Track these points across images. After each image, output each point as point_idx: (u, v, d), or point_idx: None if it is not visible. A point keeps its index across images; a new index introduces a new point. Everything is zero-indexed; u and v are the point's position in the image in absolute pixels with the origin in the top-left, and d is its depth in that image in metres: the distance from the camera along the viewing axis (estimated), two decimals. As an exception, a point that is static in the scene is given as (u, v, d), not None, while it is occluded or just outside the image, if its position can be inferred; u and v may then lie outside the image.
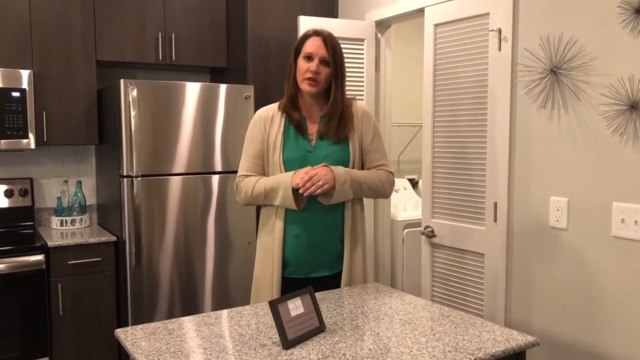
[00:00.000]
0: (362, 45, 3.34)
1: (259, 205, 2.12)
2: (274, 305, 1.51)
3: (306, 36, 2.06)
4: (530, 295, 2.44)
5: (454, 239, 2.78)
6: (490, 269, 2.60)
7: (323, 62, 2.02)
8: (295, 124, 2.06)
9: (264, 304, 1.89)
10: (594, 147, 2.17)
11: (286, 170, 2.03)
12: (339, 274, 2.11)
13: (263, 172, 2.10)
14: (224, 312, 1.80)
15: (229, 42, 3.67)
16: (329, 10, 3.69)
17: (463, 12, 2.68)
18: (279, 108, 2.11)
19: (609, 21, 2.09)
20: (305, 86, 2.03)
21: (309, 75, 2.01)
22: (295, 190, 1.96)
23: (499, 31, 2.51)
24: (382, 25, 3.44)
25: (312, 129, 2.09)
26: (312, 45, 2.02)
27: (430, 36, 2.86)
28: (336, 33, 3.24)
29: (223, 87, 3.24)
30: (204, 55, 3.60)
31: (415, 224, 3.91)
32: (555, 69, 2.28)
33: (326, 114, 2.06)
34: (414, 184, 4.74)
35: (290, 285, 2.08)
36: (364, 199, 2.16)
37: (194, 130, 3.16)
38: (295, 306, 1.56)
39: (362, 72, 3.35)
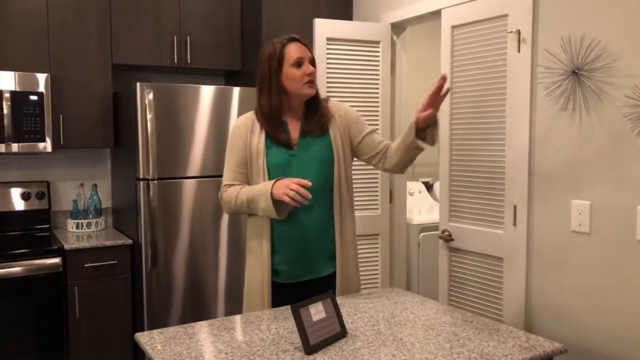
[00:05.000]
0: (378, 47, 3.32)
1: (244, 214, 2.11)
2: (296, 310, 1.49)
3: (283, 44, 2.03)
4: (551, 301, 2.40)
5: (472, 243, 2.75)
6: (510, 273, 2.57)
7: (311, 62, 2.05)
8: (280, 142, 2.03)
9: (284, 308, 1.87)
10: (616, 149, 2.13)
11: (270, 176, 2.01)
12: (330, 276, 2.09)
13: (247, 180, 2.09)
14: (244, 317, 1.79)
15: (243, 46, 3.67)
16: (343, 12, 3.67)
17: (481, 13, 2.65)
18: (257, 116, 2.09)
19: (633, 21, 2.05)
20: (307, 90, 2.02)
21: (307, 79, 2.00)
22: (275, 200, 1.92)
23: (518, 32, 2.48)
24: (398, 28, 3.42)
25: (295, 133, 2.07)
26: (298, 50, 2.02)
27: (448, 38, 2.83)
28: (351, 35, 3.26)
29: (237, 90, 3.23)
30: (218, 58, 3.60)
31: (431, 227, 3.88)
32: (576, 71, 2.25)
33: (308, 113, 2.07)
34: (428, 187, 4.71)
35: (281, 290, 2.06)
36: (354, 205, 2.19)
37: (208, 132, 3.15)
38: (317, 311, 1.55)
39: (378, 75, 3.33)
